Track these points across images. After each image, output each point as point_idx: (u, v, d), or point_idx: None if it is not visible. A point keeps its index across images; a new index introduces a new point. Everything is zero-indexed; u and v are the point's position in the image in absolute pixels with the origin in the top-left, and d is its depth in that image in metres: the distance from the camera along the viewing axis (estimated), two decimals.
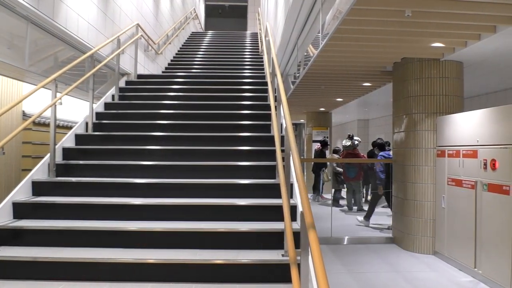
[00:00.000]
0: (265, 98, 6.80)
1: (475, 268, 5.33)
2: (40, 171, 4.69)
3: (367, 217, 8.49)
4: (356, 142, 10.57)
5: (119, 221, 4.02)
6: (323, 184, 12.11)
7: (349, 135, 10.83)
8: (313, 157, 13.75)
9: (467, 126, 5.66)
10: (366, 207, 10.48)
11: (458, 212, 5.77)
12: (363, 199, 11.12)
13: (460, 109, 6.53)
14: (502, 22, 4.86)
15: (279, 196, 3.51)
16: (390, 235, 7.38)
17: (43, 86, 4.57)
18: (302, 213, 2.48)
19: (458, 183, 5.77)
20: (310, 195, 12.21)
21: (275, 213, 3.94)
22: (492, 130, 5.12)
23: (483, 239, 5.19)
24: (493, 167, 5.00)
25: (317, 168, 12.13)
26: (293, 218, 3.85)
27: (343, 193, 11.32)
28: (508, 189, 4.70)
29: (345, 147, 10.70)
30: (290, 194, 4.22)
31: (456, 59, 6.43)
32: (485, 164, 5.16)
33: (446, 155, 6.11)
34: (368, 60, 7.05)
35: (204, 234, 3.81)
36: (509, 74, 7.50)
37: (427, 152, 6.51)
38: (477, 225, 5.31)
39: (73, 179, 4.69)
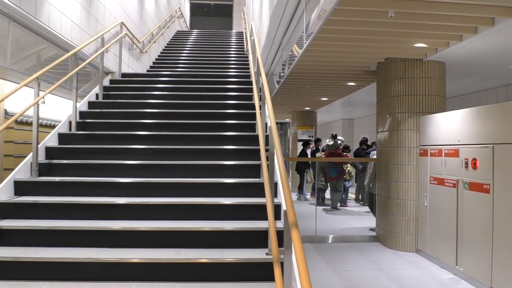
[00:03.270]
0: (250, 97, 6.80)
1: (456, 265, 5.41)
2: (22, 171, 4.63)
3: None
4: (339, 142, 10.63)
5: (103, 221, 3.99)
6: (306, 184, 12.19)
7: (332, 135, 10.89)
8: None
9: (449, 126, 5.74)
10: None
11: (440, 210, 5.85)
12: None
13: (443, 109, 6.61)
14: (483, 23, 4.94)
15: (263, 195, 3.52)
16: (374, 233, 7.45)
17: (25, 85, 4.52)
18: (285, 212, 2.50)
19: (440, 182, 5.85)
20: (295, 195, 12.24)
21: (259, 212, 3.95)
22: (473, 130, 5.21)
23: (464, 237, 5.27)
24: (474, 166, 5.08)
25: (301, 168, 12.18)
26: (277, 217, 3.88)
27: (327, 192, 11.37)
28: (489, 188, 4.79)
29: (328, 146, 10.75)
30: (275, 193, 4.23)
31: (439, 59, 6.52)
32: (466, 163, 5.24)
33: (429, 154, 6.19)
34: (352, 60, 7.11)
35: (189, 233, 3.80)
36: (490, 75, 7.63)
37: (410, 151, 6.59)
38: (459, 223, 5.40)
39: (56, 179, 4.65)
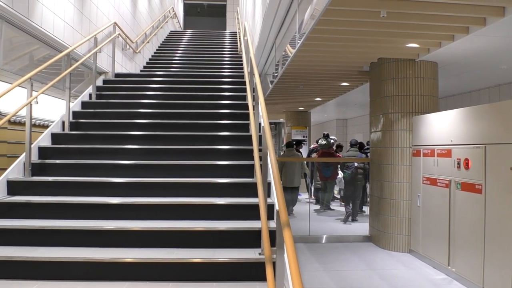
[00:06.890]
0: (244, 98, 6.80)
1: (448, 266, 5.44)
2: (15, 171, 4.62)
3: None
4: (332, 141, 10.61)
5: (96, 220, 3.99)
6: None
7: (324, 134, 10.86)
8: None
9: (442, 126, 5.77)
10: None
11: (433, 210, 5.88)
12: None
13: (435, 109, 6.65)
14: (475, 23, 4.98)
15: (256, 195, 3.53)
16: (367, 233, 7.47)
17: (18, 85, 4.50)
18: (278, 212, 2.51)
19: (433, 182, 5.88)
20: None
21: (252, 212, 3.95)
22: (466, 130, 5.24)
23: (456, 237, 5.30)
24: (466, 166, 5.11)
25: None
26: (270, 216, 3.88)
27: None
28: (481, 188, 4.81)
29: (321, 146, 10.74)
30: (268, 193, 4.24)
31: (431, 59, 6.55)
32: (458, 164, 5.27)
33: (422, 154, 6.22)
34: (345, 60, 7.13)
35: (182, 233, 3.81)
36: (482, 75, 7.67)
37: (403, 151, 6.62)
38: (451, 223, 5.42)
39: (49, 178, 4.64)
